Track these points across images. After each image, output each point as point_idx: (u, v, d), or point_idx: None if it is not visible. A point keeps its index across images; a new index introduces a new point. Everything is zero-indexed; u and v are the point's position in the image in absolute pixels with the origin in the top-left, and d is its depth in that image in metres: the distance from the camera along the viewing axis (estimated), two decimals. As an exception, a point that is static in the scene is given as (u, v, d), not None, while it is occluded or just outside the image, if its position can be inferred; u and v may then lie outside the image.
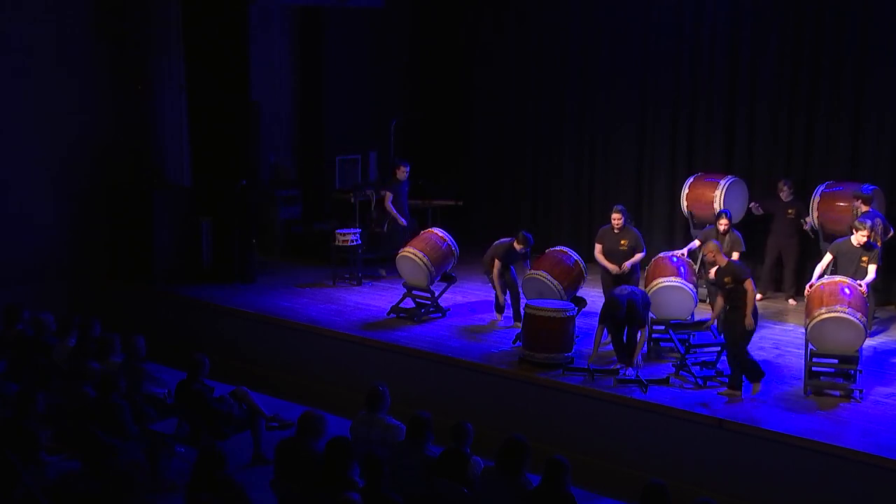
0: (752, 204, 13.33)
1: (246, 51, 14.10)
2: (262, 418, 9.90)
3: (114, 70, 14.64)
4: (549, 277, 11.53)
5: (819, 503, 8.86)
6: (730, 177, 13.37)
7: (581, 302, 11.58)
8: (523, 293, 11.81)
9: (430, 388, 11.11)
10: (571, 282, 11.74)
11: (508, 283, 12.00)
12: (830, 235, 12.33)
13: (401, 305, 12.64)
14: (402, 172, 14.27)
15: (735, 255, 11.16)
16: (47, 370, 10.04)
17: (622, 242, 11.66)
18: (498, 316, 12.26)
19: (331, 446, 7.31)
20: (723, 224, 11.72)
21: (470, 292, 13.71)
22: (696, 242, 11.89)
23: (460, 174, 17.09)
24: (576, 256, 11.93)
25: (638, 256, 11.70)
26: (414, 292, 12.69)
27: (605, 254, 11.79)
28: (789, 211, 12.97)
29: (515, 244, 11.79)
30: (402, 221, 14.12)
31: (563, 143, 16.07)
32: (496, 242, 12.15)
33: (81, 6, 14.31)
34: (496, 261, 11.84)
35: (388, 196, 14.14)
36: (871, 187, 12.18)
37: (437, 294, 12.56)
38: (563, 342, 10.67)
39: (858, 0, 13.16)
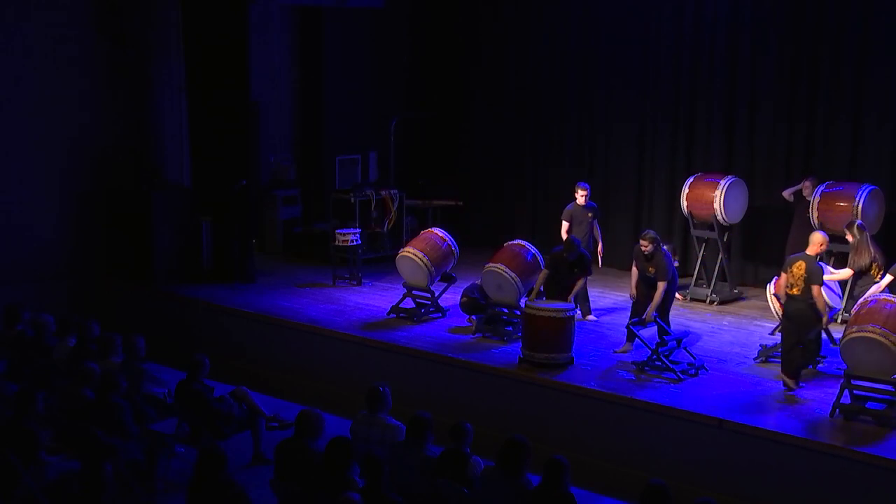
0: (784, 192, 13.04)
1: (246, 51, 14.10)
2: (262, 418, 9.92)
3: (114, 70, 14.65)
4: (507, 270, 11.65)
5: (819, 503, 8.87)
6: (730, 177, 13.33)
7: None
8: (484, 287, 11.98)
9: (430, 388, 11.11)
10: (529, 275, 11.83)
11: None
12: (830, 236, 12.31)
13: (401, 305, 12.65)
14: (582, 196, 12.55)
15: (845, 273, 10.90)
16: (47, 370, 10.04)
17: (649, 269, 11.01)
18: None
19: (331, 446, 7.32)
20: (849, 237, 11.03)
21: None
22: (841, 272, 11.06)
23: (460, 174, 17.08)
24: (533, 250, 12.07)
25: (661, 286, 10.91)
26: (414, 292, 12.70)
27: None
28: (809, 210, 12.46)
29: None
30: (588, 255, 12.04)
31: (563, 144, 16.07)
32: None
33: (82, 6, 14.31)
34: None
35: (564, 226, 12.61)
36: (870, 187, 12.19)
37: (437, 294, 12.58)
38: (563, 342, 10.68)
39: (858, 1, 13.17)
